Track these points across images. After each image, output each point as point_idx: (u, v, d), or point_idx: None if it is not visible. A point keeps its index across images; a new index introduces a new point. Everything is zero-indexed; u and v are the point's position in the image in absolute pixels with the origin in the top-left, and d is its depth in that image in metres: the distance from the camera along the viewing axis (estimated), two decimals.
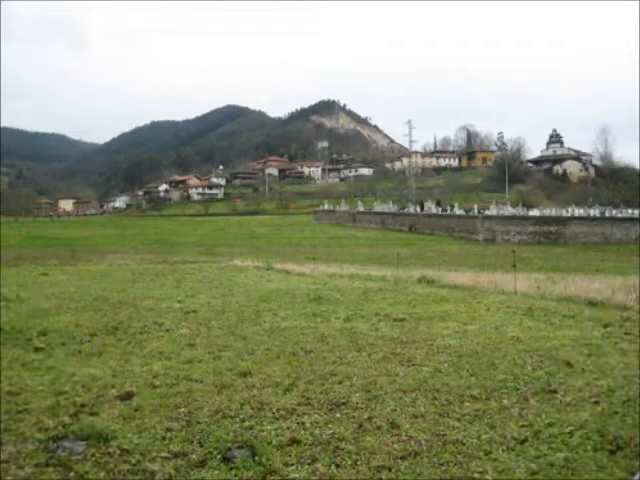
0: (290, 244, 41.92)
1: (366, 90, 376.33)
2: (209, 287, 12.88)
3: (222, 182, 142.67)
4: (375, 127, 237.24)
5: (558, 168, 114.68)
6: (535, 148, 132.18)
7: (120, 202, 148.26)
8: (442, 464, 3.46)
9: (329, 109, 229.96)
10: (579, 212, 56.01)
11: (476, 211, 56.44)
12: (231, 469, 3.40)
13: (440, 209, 65.68)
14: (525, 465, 3.41)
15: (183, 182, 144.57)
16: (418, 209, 67.97)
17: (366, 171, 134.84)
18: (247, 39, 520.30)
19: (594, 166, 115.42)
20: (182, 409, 4.43)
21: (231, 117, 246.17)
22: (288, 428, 4.03)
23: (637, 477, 2.96)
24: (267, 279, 14.90)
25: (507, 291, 11.99)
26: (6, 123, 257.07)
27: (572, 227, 50.47)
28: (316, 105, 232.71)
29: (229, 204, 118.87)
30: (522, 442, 3.76)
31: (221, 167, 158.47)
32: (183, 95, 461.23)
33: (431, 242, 47.38)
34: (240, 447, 3.68)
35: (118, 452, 3.63)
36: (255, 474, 3.35)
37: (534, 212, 56.34)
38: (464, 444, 3.74)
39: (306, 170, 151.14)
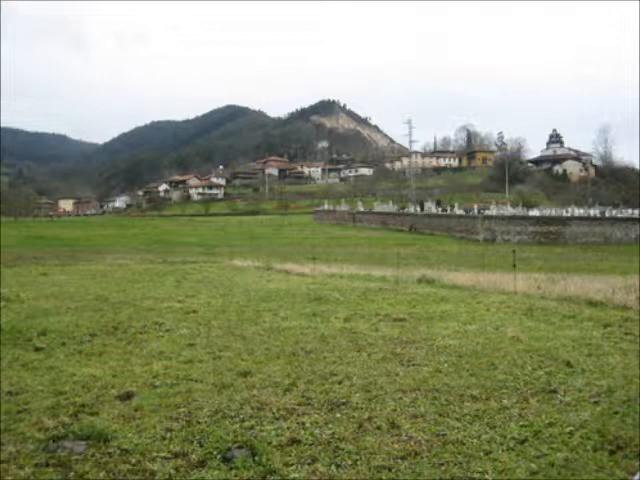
0: (290, 244, 41.91)
1: (366, 90, 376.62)
2: (209, 287, 12.88)
3: (222, 182, 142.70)
4: (375, 127, 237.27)
5: (558, 168, 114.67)
6: (535, 148, 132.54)
7: (120, 202, 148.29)
8: (442, 464, 3.45)
9: (329, 109, 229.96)
10: (579, 212, 55.99)
11: (476, 211, 56.42)
12: (231, 469, 3.40)
13: (440, 209, 65.69)
14: (525, 465, 3.41)
15: (183, 182, 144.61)
16: (418, 209, 67.97)
17: (366, 171, 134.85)
18: (247, 39, 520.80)
19: (594, 166, 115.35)
20: (182, 409, 4.43)
21: (231, 117, 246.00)
22: (288, 428, 4.03)
23: (637, 477, 2.96)
24: (267, 279, 14.90)
25: (507, 291, 11.98)
26: (6, 123, 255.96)
27: (572, 227, 50.47)
28: (316, 105, 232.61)
29: (229, 204, 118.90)
30: (522, 442, 3.76)
31: (221, 167, 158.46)
32: (183, 95, 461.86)
33: (431, 242, 47.37)
34: (240, 447, 3.68)
35: (118, 452, 3.63)
36: (255, 474, 3.34)
37: (534, 212, 56.29)
38: (464, 444, 3.74)
39: (306, 170, 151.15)
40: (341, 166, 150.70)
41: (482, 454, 3.58)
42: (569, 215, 54.28)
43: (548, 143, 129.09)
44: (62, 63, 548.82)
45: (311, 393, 4.84)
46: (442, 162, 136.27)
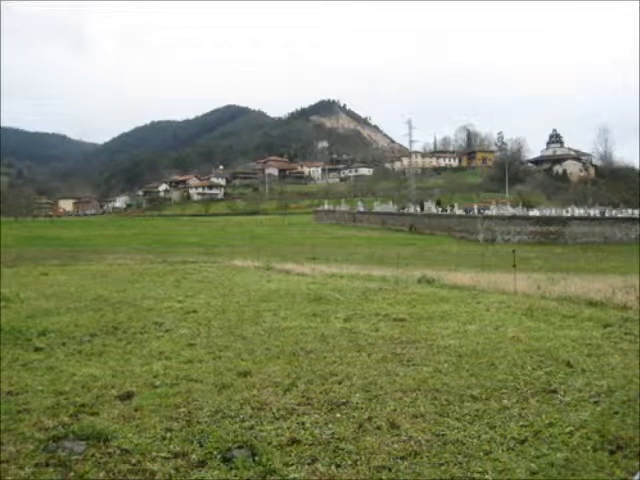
0: (290, 244, 41.93)
1: (366, 90, 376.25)
2: (209, 287, 12.88)
3: (222, 182, 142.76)
4: (375, 127, 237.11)
5: (558, 168, 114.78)
6: (535, 148, 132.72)
7: (120, 202, 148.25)
8: (442, 464, 3.45)
9: (329, 109, 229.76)
10: (579, 212, 56.08)
11: (476, 211, 56.48)
12: (231, 469, 3.40)
13: (440, 209, 65.77)
14: (525, 465, 3.41)
15: (183, 182, 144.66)
16: (418, 209, 68.05)
17: (366, 171, 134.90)
18: (247, 39, 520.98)
19: (594, 166, 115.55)
20: (182, 409, 4.43)
21: (231, 117, 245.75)
22: (288, 428, 4.03)
23: (637, 477, 2.96)
24: (267, 279, 14.90)
25: (507, 291, 11.99)
26: (6, 123, 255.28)
27: (572, 227, 50.55)
28: (316, 105, 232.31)
29: (229, 204, 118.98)
30: (522, 442, 3.76)
31: (221, 167, 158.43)
32: (183, 95, 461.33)
33: (431, 242, 47.42)
34: (240, 447, 3.67)
35: (118, 452, 3.63)
36: (255, 474, 3.34)
37: (534, 212, 56.40)
38: (464, 444, 3.74)
39: (306, 170, 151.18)
40: (341, 166, 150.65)
41: (482, 454, 3.58)
42: (569, 215, 54.37)
43: (548, 143, 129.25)
44: (62, 63, 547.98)
45: (311, 393, 4.84)
46: (442, 162, 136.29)
